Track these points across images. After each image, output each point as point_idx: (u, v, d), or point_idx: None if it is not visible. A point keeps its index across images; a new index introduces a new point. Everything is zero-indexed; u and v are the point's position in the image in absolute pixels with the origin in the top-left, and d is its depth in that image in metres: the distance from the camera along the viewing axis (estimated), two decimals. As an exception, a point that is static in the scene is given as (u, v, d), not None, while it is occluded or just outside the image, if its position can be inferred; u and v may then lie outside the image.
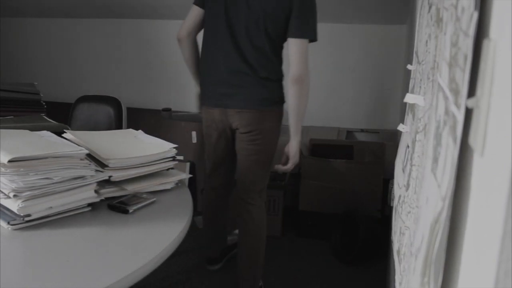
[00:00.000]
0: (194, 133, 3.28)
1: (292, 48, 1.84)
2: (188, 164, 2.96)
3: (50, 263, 0.91)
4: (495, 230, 0.29)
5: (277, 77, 1.92)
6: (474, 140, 0.35)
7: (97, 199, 1.17)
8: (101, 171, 1.20)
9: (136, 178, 1.30)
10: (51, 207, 1.06)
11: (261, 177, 1.99)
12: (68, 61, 3.93)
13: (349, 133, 3.33)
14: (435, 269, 0.41)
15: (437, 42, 0.66)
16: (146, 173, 1.32)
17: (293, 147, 1.93)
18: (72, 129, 1.55)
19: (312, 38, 1.87)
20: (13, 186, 1.01)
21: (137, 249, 1.00)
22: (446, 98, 0.48)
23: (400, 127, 1.17)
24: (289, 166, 1.96)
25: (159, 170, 1.37)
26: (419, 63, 1.03)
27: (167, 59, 3.66)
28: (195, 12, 1.97)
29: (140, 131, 1.57)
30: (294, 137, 1.92)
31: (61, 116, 1.98)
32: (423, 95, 0.83)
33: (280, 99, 1.94)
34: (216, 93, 1.93)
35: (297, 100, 1.86)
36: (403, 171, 1.07)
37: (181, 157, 2.89)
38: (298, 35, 1.84)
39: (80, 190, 1.13)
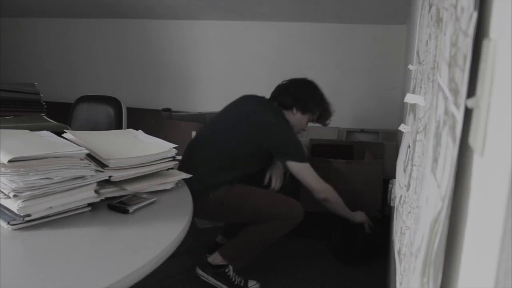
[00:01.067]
0: (194, 133, 3.27)
1: (295, 173, 2.09)
2: (188, 164, 2.96)
3: (50, 263, 0.91)
4: (495, 230, 0.29)
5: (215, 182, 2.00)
6: (474, 140, 0.35)
7: (97, 199, 1.17)
8: (101, 171, 1.20)
9: (136, 178, 1.30)
10: (51, 207, 1.06)
11: (259, 216, 2.02)
12: (68, 61, 3.93)
13: (349, 133, 3.33)
14: (434, 269, 0.41)
15: (437, 42, 0.66)
16: (146, 173, 1.32)
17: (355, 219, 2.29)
18: (72, 129, 1.55)
19: (302, 161, 2.05)
20: (13, 186, 1.01)
21: (137, 249, 1.00)
22: (445, 98, 0.48)
23: (402, 127, 1.17)
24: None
25: (159, 170, 1.37)
26: (420, 63, 1.03)
27: (167, 59, 3.66)
28: None
29: (140, 131, 1.57)
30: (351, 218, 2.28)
31: (61, 116, 1.98)
32: (424, 95, 0.83)
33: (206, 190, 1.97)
34: None
35: (333, 208, 2.20)
36: (404, 171, 1.07)
37: (181, 157, 2.89)
38: (291, 159, 2.05)
39: (80, 190, 1.13)
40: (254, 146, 2.04)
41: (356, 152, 2.93)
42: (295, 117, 2.15)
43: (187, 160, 2.09)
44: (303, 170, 2.06)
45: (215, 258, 2.11)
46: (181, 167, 1.99)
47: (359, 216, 2.30)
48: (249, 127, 2.04)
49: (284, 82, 2.22)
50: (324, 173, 2.70)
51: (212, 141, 2.08)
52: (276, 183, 2.21)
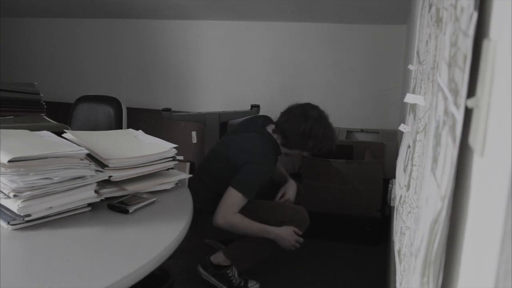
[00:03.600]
0: (194, 133, 3.28)
1: (225, 194, 1.93)
2: (188, 164, 2.96)
3: (50, 263, 0.91)
4: (495, 230, 0.29)
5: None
6: (474, 140, 0.35)
7: (97, 199, 1.17)
8: (101, 171, 1.20)
9: (136, 178, 1.30)
10: (51, 207, 1.06)
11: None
12: (68, 61, 3.93)
13: (349, 133, 3.33)
14: (434, 269, 0.41)
15: (437, 42, 0.66)
16: (146, 173, 1.32)
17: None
18: (72, 129, 1.55)
19: (245, 193, 1.91)
20: (13, 186, 1.01)
21: (137, 249, 1.00)
22: (445, 98, 0.48)
23: (402, 127, 1.17)
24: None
25: (159, 170, 1.37)
26: (420, 63, 1.03)
27: (167, 59, 3.66)
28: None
29: (140, 131, 1.57)
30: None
31: (61, 116, 1.98)
32: (424, 95, 0.83)
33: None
34: None
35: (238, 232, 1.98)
36: (404, 171, 1.07)
37: (181, 157, 2.88)
38: (232, 184, 1.92)
39: (80, 190, 1.13)
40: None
41: (356, 152, 2.93)
42: (296, 151, 2.11)
43: (194, 183, 1.99)
44: (233, 197, 1.91)
45: (217, 257, 2.11)
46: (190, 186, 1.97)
47: (283, 231, 2.01)
48: (235, 155, 2.01)
49: (294, 112, 2.05)
50: (324, 173, 2.71)
51: (210, 168, 2.10)
52: (289, 200, 2.19)
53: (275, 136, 2.09)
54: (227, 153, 2.04)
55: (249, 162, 1.95)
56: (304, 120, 2.02)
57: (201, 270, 2.14)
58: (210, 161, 2.13)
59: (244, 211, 2.01)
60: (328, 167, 2.71)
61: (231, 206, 1.92)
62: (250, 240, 2.03)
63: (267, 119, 2.22)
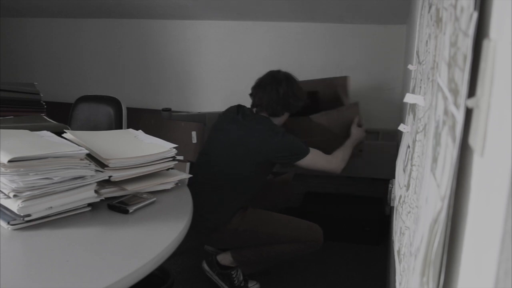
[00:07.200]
0: (194, 133, 3.28)
1: (307, 167, 2.09)
2: (188, 164, 2.96)
3: (50, 263, 0.91)
4: (495, 230, 0.29)
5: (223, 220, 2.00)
6: (474, 140, 0.35)
7: (97, 199, 1.17)
8: (101, 171, 1.20)
9: (136, 178, 1.30)
10: (51, 207, 1.06)
11: (277, 240, 2.02)
12: (68, 61, 3.93)
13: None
14: (434, 269, 0.41)
15: (437, 42, 0.66)
16: (146, 173, 1.32)
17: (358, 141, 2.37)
18: (72, 129, 1.55)
19: (308, 151, 2.06)
20: (13, 186, 1.01)
21: (137, 249, 1.00)
22: (445, 98, 0.48)
23: (401, 127, 1.17)
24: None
25: (159, 170, 1.37)
26: (419, 63, 1.03)
27: (167, 59, 3.66)
28: None
29: (140, 131, 1.57)
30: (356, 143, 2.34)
31: (61, 116, 1.98)
32: (423, 95, 0.83)
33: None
34: None
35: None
36: (404, 171, 1.07)
37: (181, 157, 2.88)
38: (300, 157, 2.05)
39: (80, 190, 1.13)
40: (259, 163, 2.01)
41: (322, 95, 2.74)
42: (283, 117, 2.16)
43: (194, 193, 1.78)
44: (313, 160, 2.07)
45: (225, 258, 2.11)
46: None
47: (356, 135, 2.34)
48: (249, 148, 2.00)
49: (265, 82, 2.15)
50: (304, 133, 2.47)
51: (213, 173, 2.04)
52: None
53: (264, 114, 2.11)
54: (256, 151, 2.01)
55: (281, 139, 2.01)
56: (277, 84, 2.12)
57: (206, 267, 2.14)
58: (232, 173, 2.03)
59: (256, 221, 2.03)
60: (308, 125, 2.52)
61: (326, 159, 2.13)
62: (260, 250, 2.05)
63: (241, 107, 2.21)
